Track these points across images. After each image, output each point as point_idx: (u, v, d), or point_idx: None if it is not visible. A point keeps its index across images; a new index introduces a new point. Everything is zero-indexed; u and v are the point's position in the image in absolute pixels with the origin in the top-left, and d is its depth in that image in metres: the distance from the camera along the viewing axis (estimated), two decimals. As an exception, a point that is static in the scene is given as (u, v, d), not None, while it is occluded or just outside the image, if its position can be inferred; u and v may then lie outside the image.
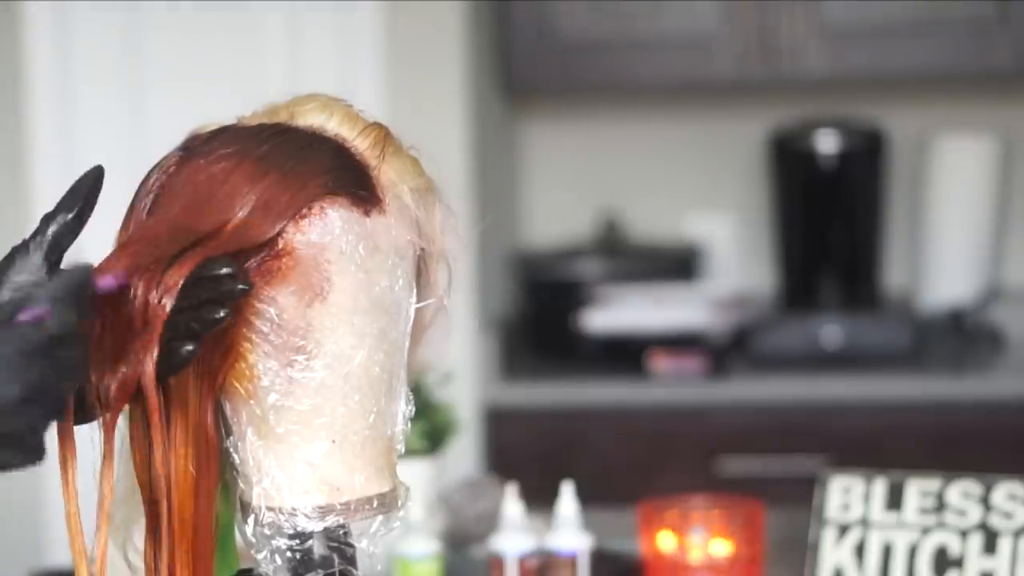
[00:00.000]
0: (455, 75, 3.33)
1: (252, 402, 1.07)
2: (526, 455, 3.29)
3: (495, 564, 2.11)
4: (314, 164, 1.08)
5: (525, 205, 3.83)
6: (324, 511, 1.08)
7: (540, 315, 3.59)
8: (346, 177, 1.09)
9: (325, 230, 1.07)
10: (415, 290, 1.13)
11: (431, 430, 2.33)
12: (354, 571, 1.10)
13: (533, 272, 3.61)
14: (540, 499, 2.29)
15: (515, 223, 3.80)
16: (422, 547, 2.13)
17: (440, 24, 3.32)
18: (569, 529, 2.11)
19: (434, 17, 3.32)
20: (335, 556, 1.09)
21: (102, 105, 3.34)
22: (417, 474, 2.26)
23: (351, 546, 1.10)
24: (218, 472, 1.07)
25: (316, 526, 1.08)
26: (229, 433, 1.09)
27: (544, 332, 3.57)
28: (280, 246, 1.05)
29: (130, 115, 3.33)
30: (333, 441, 1.08)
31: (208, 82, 3.32)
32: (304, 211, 1.06)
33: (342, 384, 1.08)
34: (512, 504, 2.13)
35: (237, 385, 1.07)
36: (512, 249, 3.71)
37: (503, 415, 3.37)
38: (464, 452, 3.15)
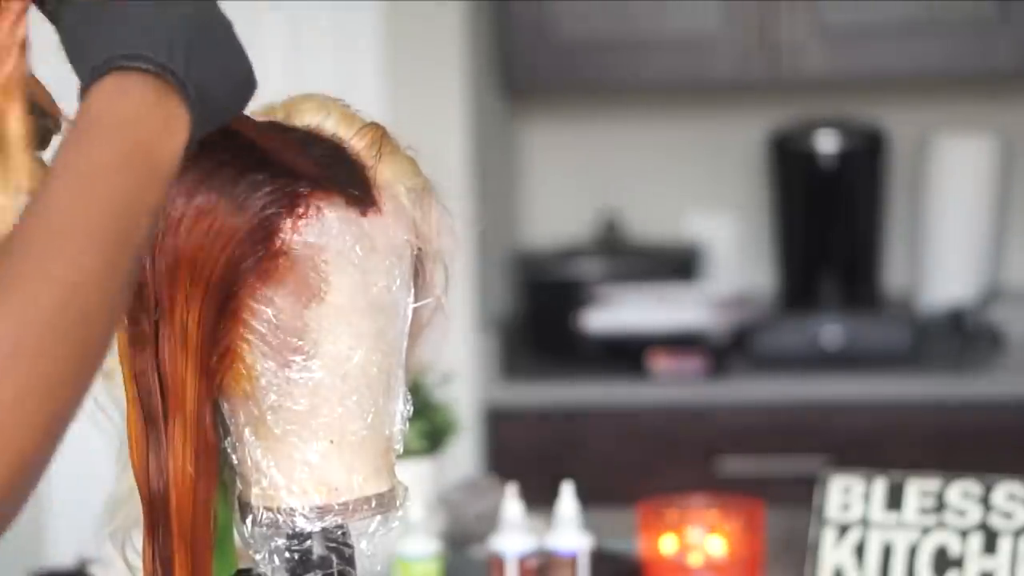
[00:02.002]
0: (455, 75, 3.33)
1: (250, 403, 1.07)
2: (526, 455, 3.29)
3: (495, 564, 2.11)
4: (312, 164, 1.08)
5: (525, 205, 3.83)
6: (322, 511, 1.08)
7: (540, 315, 3.59)
8: (342, 177, 1.08)
9: (322, 231, 1.07)
10: (412, 290, 1.13)
11: (431, 430, 2.33)
12: (352, 571, 1.09)
13: (533, 272, 3.61)
14: (540, 499, 2.29)
15: (515, 223, 3.80)
16: (422, 547, 2.13)
17: (440, 24, 3.32)
18: (569, 529, 2.11)
19: (434, 17, 3.32)
20: (333, 556, 1.09)
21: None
22: (417, 474, 2.26)
23: (349, 546, 1.10)
24: (216, 472, 1.07)
25: (314, 526, 1.08)
26: (227, 433, 1.09)
27: (544, 332, 3.57)
28: (277, 246, 1.05)
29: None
30: (331, 441, 1.08)
31: (208, 82, 3.32)
32: (300, 211, 1.06)
33: (340, 384, 1.07)
34: (512, 504, 2.13)
35: (235, 386, 1.07)
36: (512, 249, 3.71)
37: (503, 415, 3.37)
38: (464, 452, 3.15)
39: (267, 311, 1.06)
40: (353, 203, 1.08)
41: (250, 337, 1.06)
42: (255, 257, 1.05)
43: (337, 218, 1.07)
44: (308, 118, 1.12)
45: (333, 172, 1.08)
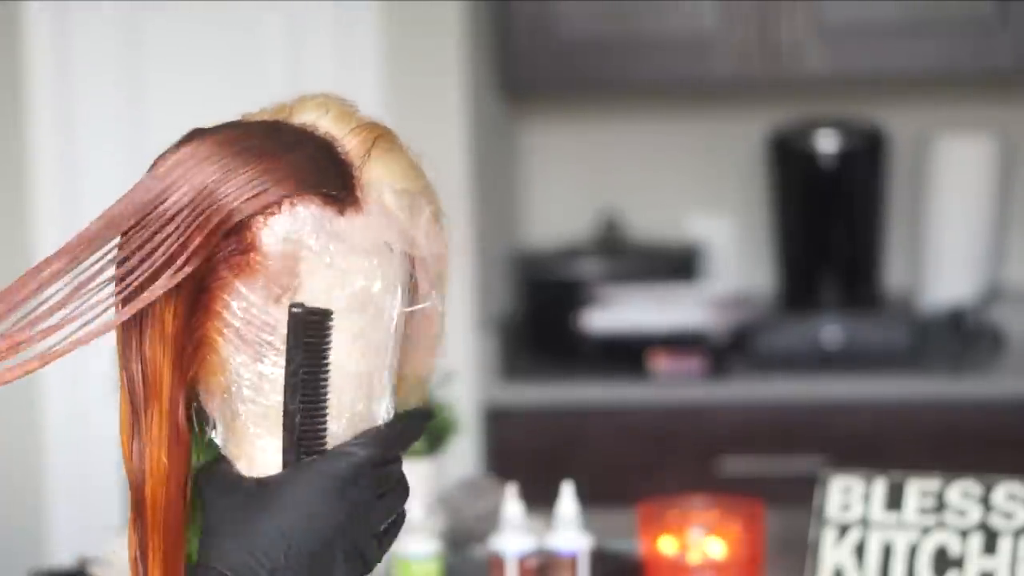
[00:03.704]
0: (455, 75, 3.33)
1: (224, 395, 1.07)
2: (526, 455, 3.30)
3: (495, 564, 2.11)
4: (292, 161, 1.07)
5: (525, 205, 3.83)
6: None
7: (540, 315, 3.59)
8: (322, 175, 1.08)
9: (293, 227, 1.06)
10: (400, 292, 1.11)
11: (431, 430, 2.33)
12: None
13: (533, 272, 3.61)
14: (540, 499, 2.29)
15: (515, 223, 3.80)
16: (422, 547, 2.13)
17: (440, 24, 3.32)
18: (569, 529, 2.11)
19: (434, 17, 3.32)
20: None
21: (102, 105, 3.34)
22: (417, 474, 2.26)
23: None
24: (188, 463, 1.07)
25: None
26: (214, 426, 1.10)
27: (544, 332, 3.57)
28: (248, 240, 1.05)
29: (130, 115, 3.33)
30: None
31: (208, 82, 3.32)
32: (273, 208, 1.06)
33: None
34: (512, 504, 2.13)
35: (210, 378, 1.07)
36: (512, 249, 3.71)
37: (503, 415, 3.37)
38: (464, 452, 3.15)
39: (239, 305, 1.06)
40: (330, 202, 1.07)
41: (224, 330, 1.06)
42: (227, 250, 1.05)
43: (311, 215, 1.06)
44: (305, 116, 1.12)
45: (311, 171, 1.08)
